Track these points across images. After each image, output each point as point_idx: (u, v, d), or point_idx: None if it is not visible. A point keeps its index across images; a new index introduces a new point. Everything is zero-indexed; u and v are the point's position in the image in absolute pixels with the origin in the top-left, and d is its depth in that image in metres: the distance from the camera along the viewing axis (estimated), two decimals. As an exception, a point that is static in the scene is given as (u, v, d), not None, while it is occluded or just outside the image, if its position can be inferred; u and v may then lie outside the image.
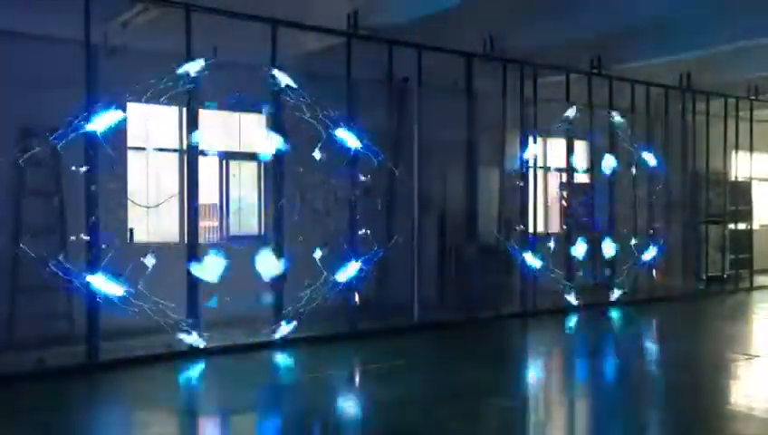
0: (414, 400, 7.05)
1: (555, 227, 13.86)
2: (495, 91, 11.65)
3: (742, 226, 16.16)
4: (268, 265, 9.16)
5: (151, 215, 10.05)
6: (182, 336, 8.42)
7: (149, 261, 8.22)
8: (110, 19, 9.17)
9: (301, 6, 9.81)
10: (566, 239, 12.65)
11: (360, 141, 9.83)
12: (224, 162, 10.84)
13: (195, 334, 8.51)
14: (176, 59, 8.43)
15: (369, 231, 9.95)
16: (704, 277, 15.33)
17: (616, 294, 13.04)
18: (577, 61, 12.48)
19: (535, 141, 12.14)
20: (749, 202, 16.53)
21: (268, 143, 9.25)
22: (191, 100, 8.63)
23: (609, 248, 12.97)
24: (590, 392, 7.93)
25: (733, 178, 16.01)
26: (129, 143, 9.87)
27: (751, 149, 15.67)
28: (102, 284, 7.86)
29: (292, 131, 9.30)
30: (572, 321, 11.88)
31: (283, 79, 9.19)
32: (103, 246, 7.89)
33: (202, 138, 8.85)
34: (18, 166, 7.98)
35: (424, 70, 10.61)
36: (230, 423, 6.64)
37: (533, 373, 8.96)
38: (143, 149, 10.17)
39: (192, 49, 8.52)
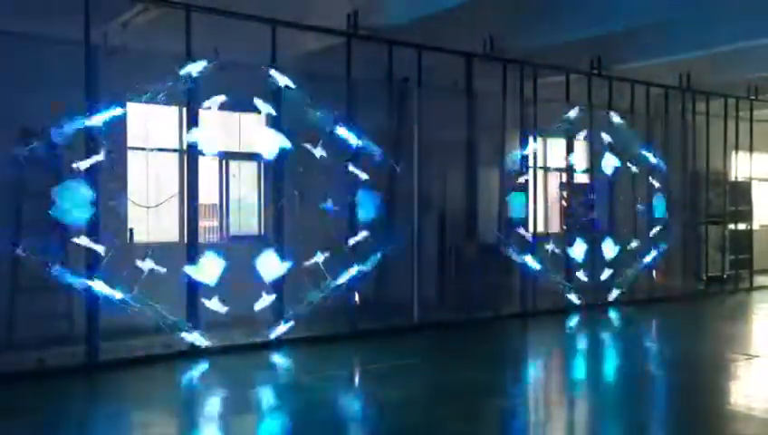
0: (414, 400, 7.06)
1: (555, 227, 13.87)
2: (495, 91, 11.65)
3: (742, 226, 16.16)
4: (270, 266, 9.16)
5: (151, 215, 10.05)
6: (183, 335, 8.43)
7: (147, 264, 8.21)
8: (110, 19, 9.18)
9: (300, 6, 9.82)
10: (566, 239, 12.66)
11: (360, 140, 9.84)
12: (224, 162, 10.84)
13: (195, 334, 8.52)
14: (176, 59, 8.43)
15: (369, 232, 9.95)
16: (704, 278, 15.34)
17: (615, 294, 13.05)
18: (577, 61, 12.48)
19: (535, 141, 12.15)
20: (749, 202, 16.53)
21: (270, 143, 9.24)
22: (191, 100, 8.63)
23: (609, 249, 12.97)
24: (589, 392, 7.92)
25: (733, 179, 16.02)
26: (129, 143, 9.87)
27: (751, 150, 15.68)
28: (102, 287, 7.88)
29: (292, 131, 9.31)
30: (572, 321, 11.88)
31: (281, 79, 9.20)
32: (103, 251, 7.90)
33: (202, 138, 8.84)
34: (18, 166, 7.97)
35: (424, 70, 10.61)
36: (230, 423, 6.64)
37: (533, 373, 8.97)
38: (143, 149, 10.17)
39: (192, 49, 8.53)
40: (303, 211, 9.51)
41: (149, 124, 10.14)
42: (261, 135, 9.57)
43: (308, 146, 9.37)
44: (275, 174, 9.49)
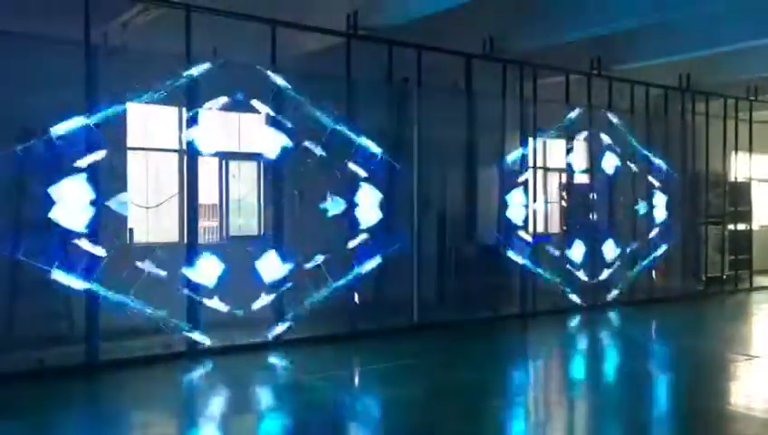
0: (414, 400, 7.06)
1: (555, 227, 13.86)
2: (495, 91, 11.65)
3: (741, 226, 16.17)
4: (271, 267, 9.15)
5: (151, 215, 10.04)
6: (183, 335, 8.42)
7: (147, 266, 8.20)
8: (110, 19, 9.17)
9: (300, 7, 9.81)
10: (566, 240, 12.65)
11: (359, 139, 9.85)
12: (224, 162, 10.83)
13: (195, 334, 8.51)
14: (176, 59, 8.42)
15: (369, 234, 9.95)
16: (703, 278, 15.33)
17: (615, 294, 13.05)
18: (577, 61, 12.49)
19: (535, 141, 12.14)
20: (748, 203, 16.53)
21: (271, 142, 9.24)
22: (191, 100, 8.63)
23: (609, 249, 12.97)
24: (589, 392, 7.92)
25: (732, 179, 16.02)
26: (129, 143, 9.87)
27: (750, 150, 15.68)
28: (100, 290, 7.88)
29: (292, 131, 9.31)
30: (572, 321, 11.88)
31: (278, 80, 9.19)
32: (103, 252, 7.90)
33: (200, 136, 8.82)
34: (18, 166, 7.96)
35: (424, 70, 10.61)
36: (230, 423, 6.64)
37: (533, 374, 8.97)
38: (143, 149, 10.15)
39: (192, 49, 8.53)
40: (303, 211, 9.51)
41: (149, 124, 10.14)
42: (262, 134, 9.57)
43: (308, 144, 9.37)
44: (275, 174, 9.48)
